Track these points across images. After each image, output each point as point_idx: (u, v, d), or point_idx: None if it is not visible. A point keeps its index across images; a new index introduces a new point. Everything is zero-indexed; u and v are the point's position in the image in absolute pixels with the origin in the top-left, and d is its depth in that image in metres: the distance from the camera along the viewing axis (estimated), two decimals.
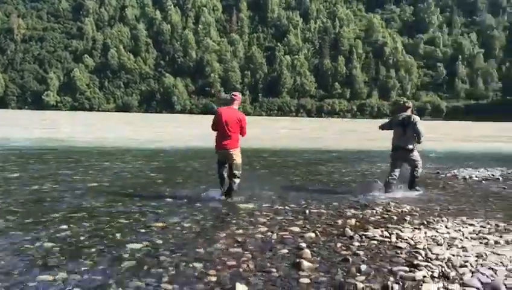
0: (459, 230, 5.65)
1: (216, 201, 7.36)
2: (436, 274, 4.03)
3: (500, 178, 11.10)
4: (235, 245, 4.91)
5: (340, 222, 6.08)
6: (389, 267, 4.23)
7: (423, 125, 8.47)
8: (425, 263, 4.29)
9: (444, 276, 4.00)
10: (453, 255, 4.54)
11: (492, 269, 4.16)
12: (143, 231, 5.45)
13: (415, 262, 4.33)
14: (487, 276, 3.98)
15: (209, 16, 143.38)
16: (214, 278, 3.93)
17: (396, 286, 3.75)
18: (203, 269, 4.13)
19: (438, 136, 33.35)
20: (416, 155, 8.51)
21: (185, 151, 17.49)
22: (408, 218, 6.32)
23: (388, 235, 5.32)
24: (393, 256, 4.61)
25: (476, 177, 11.13)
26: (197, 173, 10.98)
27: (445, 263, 4.33)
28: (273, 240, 5.13)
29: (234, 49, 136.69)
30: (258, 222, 5.99)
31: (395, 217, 6.42)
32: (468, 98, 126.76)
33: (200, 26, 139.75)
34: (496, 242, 5.09)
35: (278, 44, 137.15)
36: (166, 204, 7.07)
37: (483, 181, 10.58)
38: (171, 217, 6.13)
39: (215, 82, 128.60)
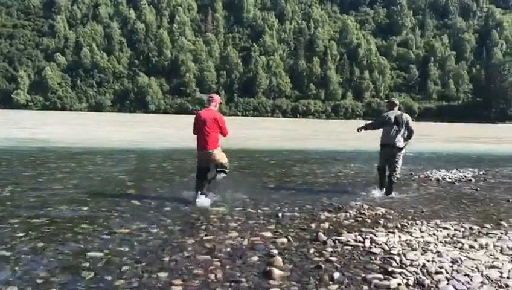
0: (434, 234, 5.56)
1: (186, 205, 7.11)
2: (411, 282, 3.90)
3: (473, 179, 11.17)
4: (204, 252, 4.69)
5: (313, 225, 5.91)
6: (363, 275, 4.07)
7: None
8: (400, 270, 4.16)
9: (419, 284, 3.88)
10: (428, 261, 4.42)
11: (467, 275, 4.05)
12: (106, 237, 5.17)
13: (390, 269, 4.20)
14: (463, 283, 3.87)
15: (184, 15, 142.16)
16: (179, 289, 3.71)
17: None
18: (167, 279, 3.90)
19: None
20: (401, 157, 8.39)
21: (156, 152, 17.13)
22: (382, 221, 6.20)
23: (362, 240, 5.19)
24: (367, 262, 4.47)
25: (449, 178, 11.16)
26: (168, 175, 10.69)
27: (420, 269, 4.21)
28: (243, 247, 4.93)
29: (209, 49, 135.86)
30: (229, 227, 5.78)
31: (369, 221, 6.30)
32: (440, 100, 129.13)
33: (175, 25, 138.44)
34: (471, 246, 5.01)
35: (254, 44, 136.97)
36: (134, 208, 6.79)
37: (456, 183, 10.61)
38: (138, 222, 5.86)
39: (190, 82, 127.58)
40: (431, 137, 35.68)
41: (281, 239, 5.19)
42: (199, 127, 7.35)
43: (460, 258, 4.49)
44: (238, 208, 6.97)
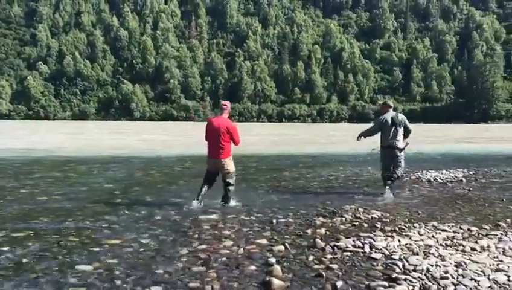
0: (433, 236, 5.42)
1: (176, 213, 6.89)
2: (417, 288, 3.74)
3: (464, 179, 11.12)
4: (198, 263, 4.48)
5: (309, 231, 5.74)
6: (367, 283, 3.90)
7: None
8: (404, 276, 4.00)
9: None
10: (432, 266, 4.26)
11: (474, 279, 3.91)
12: (95, 249, 4.94)
13: (393, 275, 4.03)
14: (470, 288, 3.72)
15: (167, 21, 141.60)
16: None
17: None
18: None
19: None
20: (403, 157, 8.60)
21: (143, 160, 16.82)
22: (379, 225, 6.06)
23: (361, 245, 5.02)
24: (369, 269, 4.30)
25: (440, 179, 11.10)
26: (157, 183, 10.45)
27: (425, 274, 4.05)
28: (239, 256, 4.73)
29: (194, 55, 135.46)
30: (223, 235, 5.58)
31: (366, 225, 6.15)
32: (423, 101, 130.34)
33: (158, 32, 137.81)
34: (472, 249, 4.87)
35: (238, 50, 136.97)
36: (123, 218, 6.55)
37: (447, 183, 10.55)
38: (128, 233, 5.63)
39: (174, 88, 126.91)
40: (415, 139, 35.80)
41: (278, 247, 5.00)
42: (211, 136, 7.37)
43: (464, 262, 4.35)
44: (230, 215, 6.77)
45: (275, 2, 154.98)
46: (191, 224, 6.21)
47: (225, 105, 7.56)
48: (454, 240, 5.25)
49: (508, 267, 4.23)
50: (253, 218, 6.56)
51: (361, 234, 5.56)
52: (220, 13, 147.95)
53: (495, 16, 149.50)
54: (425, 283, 3.84)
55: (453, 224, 6.13)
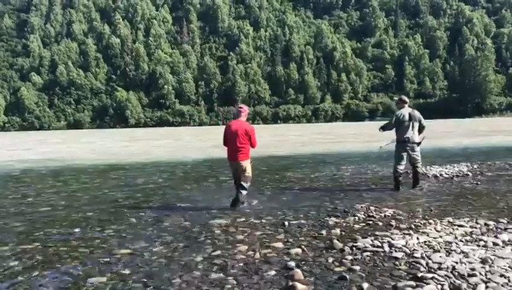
0: (451, 233, 5.31)
1: (184, 219, 6.74)
2: (446, 287, 3.61)
3: (470, 173, 11.04)
4: (215, 270, 4.33)
5: (324, 232, 5.60)
6: (393, 283, 3.77)
7: None
8: (430, 275, 3.87)
9: (455, 289, 3.58)
10: (457, 263, 4.14)
11: (503, 275, 3.78)
12: (107, 260, 4.78)
13: (419, 274, 3.90)
14: (502, 285, 3.60)
15: (159, 28, 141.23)
16: None
17: None
18: None
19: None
20: (419, 151, 8.83)
21: (145, 166, 16.61)
22: (394, 223, 5.94)
23: (380, 244, 4.89)
24: (392, 269, 4.17)
25: (446, 174, 11.00)
26: (161, 189, 10.29)
27: (451, 272, 3.93)
28: (256, 261, 4.58)
29: (187, 60, 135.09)
30: (236, 240, 5.44)
31: (380, 223, 6.02)
32: (417, 98, 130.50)
33: (150, 38, 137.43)
34: (495, 244, 4.76)
35: (231, 53, 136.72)
36: (131, 226, 6.40)
37: (454, 178, 10.45)
38: (138, 241, 5.48)
39: (169, 94, 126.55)
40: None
41: (295, 249, 4.87)
42: (229, 139, 7.47)
43: (490, 258, 4.23)
44: (240, 219, 6.63)
45: (266, 4, 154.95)
46: (201, 229, 6.06)
47: (241, 108, 7.70)
48: (474, 235, 5.13)
49: None
50: (264, 221, 6.41)
51: (378, 233, 5.44)
52: (211, 18, 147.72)
53: (484, 10, 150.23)
54: (454, 281, 3.71)
55: (468, 219, 6.02)
